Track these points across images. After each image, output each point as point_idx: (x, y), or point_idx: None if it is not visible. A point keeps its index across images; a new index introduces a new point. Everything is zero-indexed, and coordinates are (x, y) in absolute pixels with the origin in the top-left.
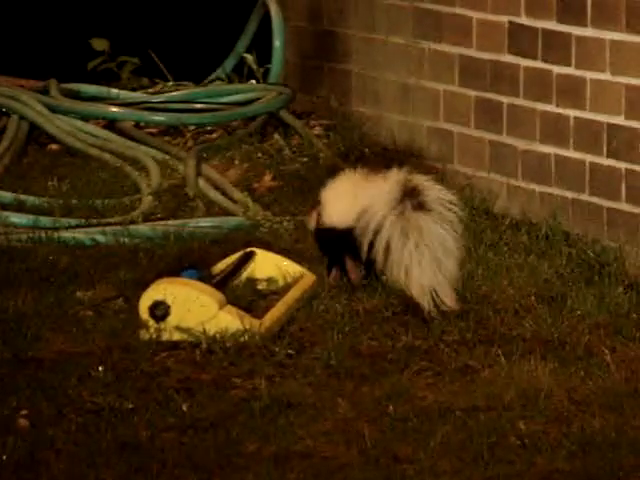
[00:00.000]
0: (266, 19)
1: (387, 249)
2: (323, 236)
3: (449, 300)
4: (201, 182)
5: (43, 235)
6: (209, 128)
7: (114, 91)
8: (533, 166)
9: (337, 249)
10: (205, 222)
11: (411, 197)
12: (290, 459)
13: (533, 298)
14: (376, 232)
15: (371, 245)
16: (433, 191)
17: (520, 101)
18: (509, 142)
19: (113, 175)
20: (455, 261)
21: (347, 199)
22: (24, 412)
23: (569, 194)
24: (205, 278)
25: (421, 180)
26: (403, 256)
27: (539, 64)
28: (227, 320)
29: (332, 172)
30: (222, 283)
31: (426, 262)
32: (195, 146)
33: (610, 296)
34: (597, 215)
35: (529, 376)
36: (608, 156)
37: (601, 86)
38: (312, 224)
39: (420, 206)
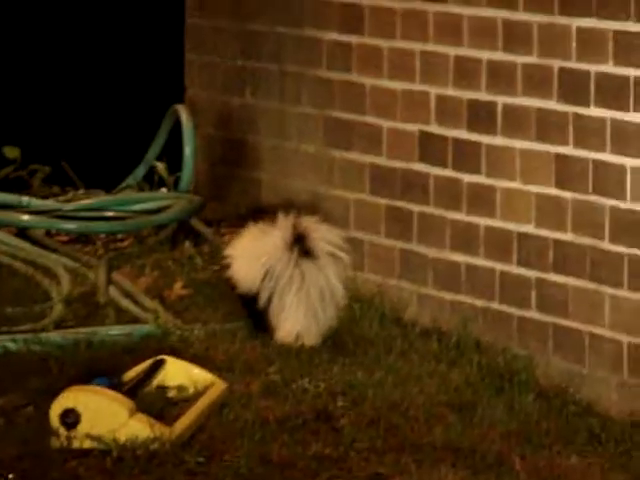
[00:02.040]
0: (177, 127)
1: (272, 296)
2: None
3: (309, 342)
4: (112, 290)
5: None
6: (120, 236)
7: (25, 199)
8: (443, 274)
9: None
10: (116, 330)
11: (299, 243)
12: None
13: (443, 406)
14: (271, 282)
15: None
16: (320, 234)
17: (430, 209)
18: (419, 250)
19: (24, 283)
20: (333, 307)
21: (250, 261)
22: None
23: (479, 302)
24: (116, 386)
25: (309, 224)
26: (284, 303)
27: (449, 172)
28: (137, 428)
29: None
30: (133, 391)
31: (302, 309)
32: (106, 254)
33: (520, 404)
34: (507, 323)
35: None
36: (518, 264)
37: (511, 194)
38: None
39: (307, 253)
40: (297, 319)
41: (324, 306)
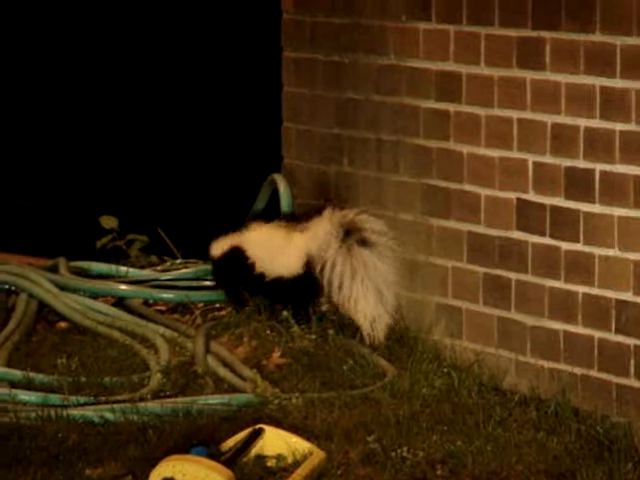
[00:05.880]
0: (274, 196)
1: (340, 285)
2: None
3: (381, 333)
4: (210, 359)
5: (52, 413)
6: (218, 305)
7: (123, 269)
8: (542, 342)
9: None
10: (214, 399)
11: (353, 233)
12: None
13: (543, 475)
14: (331, 270)
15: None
16: (370, 225)
17: (528, 277)
18: (518, 318)
19: (122, 352)
20: (393, 292)
21: (286, 249)
22: None
23: (578, 370)
24: (214, 455)
25: (355, 214)
26: (352, 290)
27: (547, 240)
28: None
29: None
30: (231, 460)
31: (370, 295)
32: (204, 323)
33: (620, 472)
34: (606, 391)
35: None
36: (617, 332)
37: (609, 262)
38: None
39: (363, 242)
40: (368, 305)
41: (387, 293)
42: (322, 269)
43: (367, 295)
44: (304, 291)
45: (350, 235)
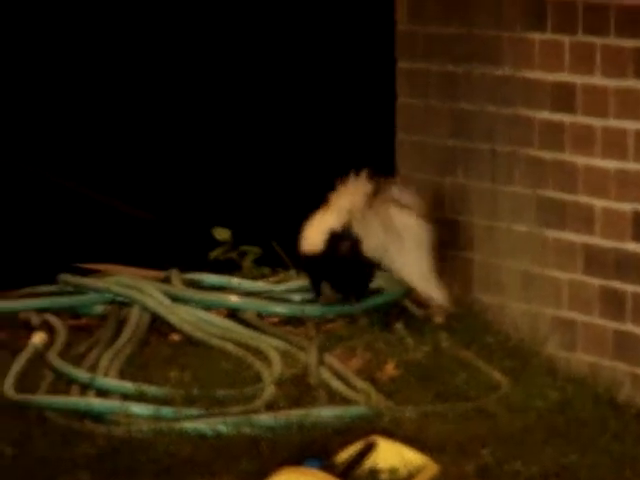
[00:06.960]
0: None
1: (378, 244)
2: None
3: (441, 297)
4: (323, 371)
5: (164, 425)
6: (331, 317)
7: (235, 280)
8: None
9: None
10: (327, 411)
11: (382, 192)
12: None
13: None
14: (364, 227)
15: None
16: (397, 186)
17: None
18: (634, 330)
19: (235, 365)
20: (430, 255)
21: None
22: None
23: None
24: (328, 468)
25: (382, 181)
26: (396, 254)
27: None
28: None
29: None
30: (345, 473)
31: (425, 264)
32: (317, 335)
33: None
34: None
35: None
36: None
37: None
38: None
39: (394, 201)
40: (422, 275)
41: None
42: (354, 228)
43: (422, 264)
44: (327, 269)
45: (379, 194)
